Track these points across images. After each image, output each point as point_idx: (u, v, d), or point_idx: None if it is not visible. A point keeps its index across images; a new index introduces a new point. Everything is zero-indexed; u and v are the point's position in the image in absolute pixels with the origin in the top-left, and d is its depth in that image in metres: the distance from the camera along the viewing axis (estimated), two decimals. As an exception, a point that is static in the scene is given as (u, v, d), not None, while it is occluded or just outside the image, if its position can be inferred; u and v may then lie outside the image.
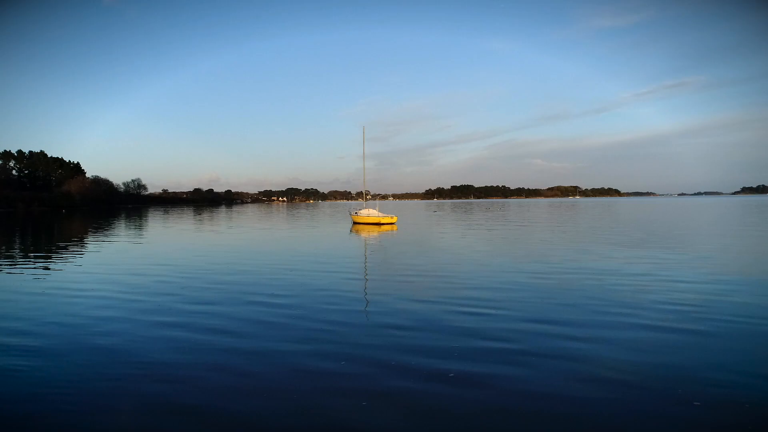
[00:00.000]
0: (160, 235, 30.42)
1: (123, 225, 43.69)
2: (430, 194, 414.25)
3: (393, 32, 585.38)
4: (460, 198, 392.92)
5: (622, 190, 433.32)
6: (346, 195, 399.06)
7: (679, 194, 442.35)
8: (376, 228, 33.33)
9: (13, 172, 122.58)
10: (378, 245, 21.81)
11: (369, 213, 37.75)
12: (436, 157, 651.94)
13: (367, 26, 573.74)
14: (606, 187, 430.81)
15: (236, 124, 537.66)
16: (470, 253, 17.91)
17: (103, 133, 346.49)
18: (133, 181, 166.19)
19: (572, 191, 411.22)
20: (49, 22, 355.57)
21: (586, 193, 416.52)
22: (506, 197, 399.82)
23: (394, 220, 37.16)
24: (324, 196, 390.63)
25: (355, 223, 38.34)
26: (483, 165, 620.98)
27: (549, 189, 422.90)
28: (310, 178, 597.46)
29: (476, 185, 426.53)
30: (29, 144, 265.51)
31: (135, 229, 37.69)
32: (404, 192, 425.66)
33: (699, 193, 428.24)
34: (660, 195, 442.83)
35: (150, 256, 18.60)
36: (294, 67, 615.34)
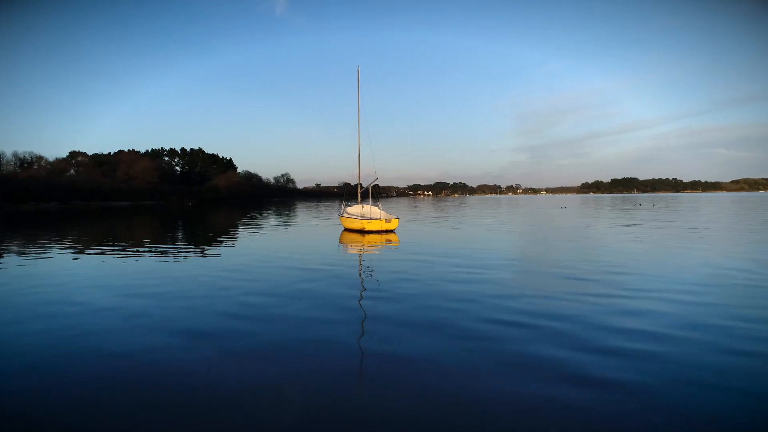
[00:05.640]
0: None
1: (232, 215, 40.49)
2: (586, 188, 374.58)
3: (545, 17, 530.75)
4: (621, 192, 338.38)
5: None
6: (495, 189, 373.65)
7: None
8: (360, 238, 18.90)
9: (177, 168, 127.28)
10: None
11: (362, 214, 23.59)
12: (596, 149, 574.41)
13: (516, 15, 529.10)
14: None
15: (391, 121, 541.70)
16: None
17: (262, 132, 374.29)
18: (282, 175, 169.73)
19: (763, 184, 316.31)
20: (228, 32, 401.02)
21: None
22: (677, 191, 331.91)
23: (392, 225, 21.43)
24: (472, 190, 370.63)
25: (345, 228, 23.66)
26: (650, 156, 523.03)
27: (733, 182, 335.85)
28: (460, 172, 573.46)
29: (641, 178, 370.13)
30: (190, 142, 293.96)
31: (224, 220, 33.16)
32: (559, 186, 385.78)
33: None
34: None
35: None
36: (444, 60, 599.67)
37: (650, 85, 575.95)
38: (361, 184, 26.03)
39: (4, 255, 13.93)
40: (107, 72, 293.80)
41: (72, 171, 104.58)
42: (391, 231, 21.10)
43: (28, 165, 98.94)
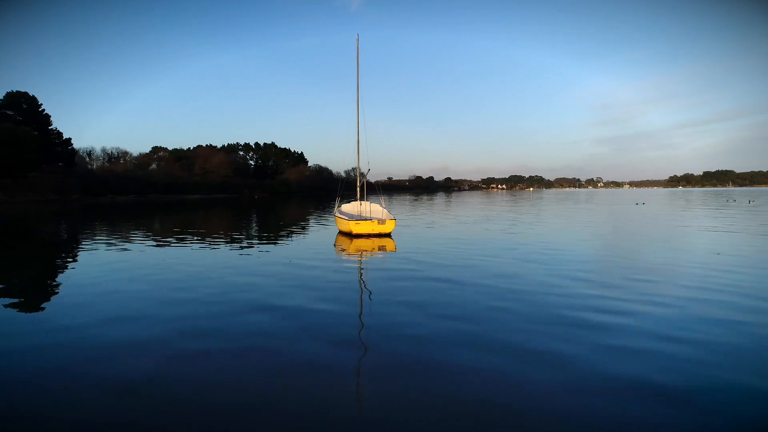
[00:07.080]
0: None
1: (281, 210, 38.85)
2: (675, 181, 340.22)
3: (627, 1, 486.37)
4: (714, 186, 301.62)
5: None
6: (573, 182, 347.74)
7: None
8: (348, 243, 15.27)
9: (250, 162, 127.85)
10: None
11: (360, 213, 19.29)
12: (687, 139, 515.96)
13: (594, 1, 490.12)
14: None
15: (467, 114, 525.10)
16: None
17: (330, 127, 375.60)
18: (353, 169, 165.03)
19: None
20: (303, 27, 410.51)
21: None
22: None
23: (387, 228, 16.59)
24: (549, 184, 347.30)
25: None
26: (749, 147, 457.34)
27: None
28: (537, 164, 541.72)
29: (737, 171, 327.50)
30: (264, 136, 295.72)
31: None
32: (644, 179, 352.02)
33: None
34: None
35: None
36: (520, 49, 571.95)
37: (750, 68, 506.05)
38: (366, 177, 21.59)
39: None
40: (183, 69, 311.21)
41: (154, 165, 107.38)
42: (386, 235, 16.74)
43: (115, 160, 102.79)
